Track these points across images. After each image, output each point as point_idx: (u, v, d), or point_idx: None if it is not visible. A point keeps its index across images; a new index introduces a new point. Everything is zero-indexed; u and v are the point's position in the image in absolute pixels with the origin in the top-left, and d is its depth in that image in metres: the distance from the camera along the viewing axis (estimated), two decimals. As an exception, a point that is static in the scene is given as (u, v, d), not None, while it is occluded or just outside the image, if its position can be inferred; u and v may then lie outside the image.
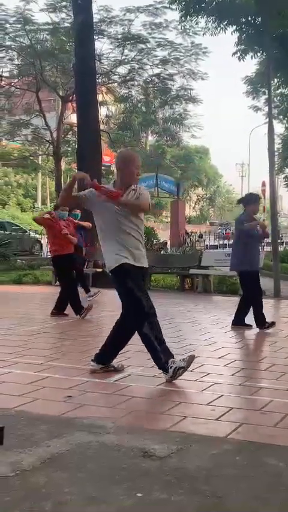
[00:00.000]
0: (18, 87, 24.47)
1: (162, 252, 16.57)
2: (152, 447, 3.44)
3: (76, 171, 22.49)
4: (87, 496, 2.80)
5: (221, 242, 35.42)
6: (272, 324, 7.85)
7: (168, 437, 3.64)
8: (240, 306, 8.04)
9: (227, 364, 5.81)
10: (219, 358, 6.04)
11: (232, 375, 5.37)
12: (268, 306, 9.44)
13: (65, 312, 8.84)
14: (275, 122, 21.16)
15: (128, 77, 24.33)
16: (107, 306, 9.77)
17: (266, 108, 19.06)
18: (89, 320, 8.62)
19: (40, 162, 33.29)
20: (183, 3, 14.84)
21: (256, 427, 3.96)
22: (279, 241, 22.09)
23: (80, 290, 9.50)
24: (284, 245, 34.02)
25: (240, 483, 3.00)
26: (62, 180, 24.66)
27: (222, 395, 4.65)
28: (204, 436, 3.73)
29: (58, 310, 8.86)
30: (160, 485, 2.93)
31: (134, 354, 6.24)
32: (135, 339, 7.06)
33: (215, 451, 3.43)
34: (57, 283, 14.41)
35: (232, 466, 3.22)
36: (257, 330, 7.79)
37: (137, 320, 5.07)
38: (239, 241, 7.99)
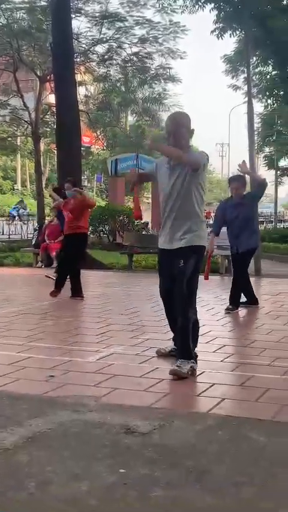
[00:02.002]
0: (-5, 67, 24.09)
1: (143, 233, 16.57)
2: (134, 424, 3.44)
3: (55, 152, 22.32)
4: (70, 474, 2.80)
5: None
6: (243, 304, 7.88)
7: (150, 414, 3.64)
8: (238, 287, 7.95)
9: (209, 341, 5.82)
10: (201, 335, 6.02)
11: (214, 351, 5.39)
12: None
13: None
14: (254, 101, 21.02)
15: (106, 56, 24.04)
16: (90, 287, 9.75)
17: (245, 87, 18.96)
18: (71, 301, 8.59)
19: (19, 144, 32.91)
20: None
21: (238, 401, 3.98)
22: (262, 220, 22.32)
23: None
24: (265, 224, 34.21)
25: (223, 458, 3.02)
26: (42, 162, 24.43)
27: (203, 372, 4.66)
28: (186, 412, 3.75)
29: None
30: (143, 461, 2.93)
31: (116, 332, 6.24)
32: (119, 318, 7.10)
33: (198, 427, 3.44)
34: (39, 264, 14.40)
35: (215, 441, 3.23)
36: (241, 309, 7.82)
37: (192, 301, 4.75)
38: (254, 218, 8.07)
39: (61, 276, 8.83)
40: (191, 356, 4.67)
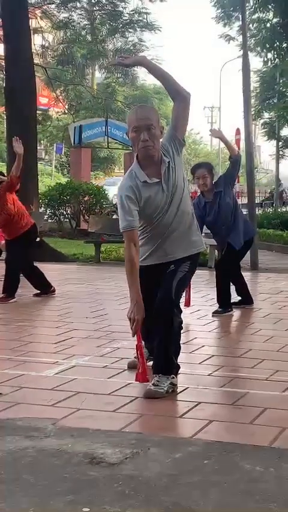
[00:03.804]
0: None
1: (114, 217, 16.52)
2: (101, 452, 3.46)
3: (4, 116, 22.16)
4: (22, 513, 2.81)
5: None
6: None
7: (121, 440, 3.67)
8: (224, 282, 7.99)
9: (194, 350, 5.87)
10: (185, 343, 6.06)
11: (200, 363, 5.44)
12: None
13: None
14: (251, 54, 21.18)
15: (68, -3, 23.93)
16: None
17: (240, 38, 19.04)
18: (23, 303, 8.58)
19: None
20: None
21: (228, 424, 4.02)
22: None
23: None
24: (263, 207, 34.42)
25: (209, 491, 3.05)
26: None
27: (187, 388, 4.70)
28: (165, 437, 3.78)
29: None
30: (111, 497, 2.96)
31: (79, 340, 6.26)
32: (83, 323, 7.10)
33: (178, 455, 3.47)
34: None
35: (199, 472, 3.26)
36: (235, 310, 7.89)
37: (176, 306, 4.78)
38: (237, 207, 8.05)
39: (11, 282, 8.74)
40: (172, 371, 4.70)
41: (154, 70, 4.76)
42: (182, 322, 4.83)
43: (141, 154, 4.65)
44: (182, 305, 6.94)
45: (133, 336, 4.63)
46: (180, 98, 4.66)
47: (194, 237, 4.87)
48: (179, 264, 4.77)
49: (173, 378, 4.66)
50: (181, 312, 4.82)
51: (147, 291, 4.68)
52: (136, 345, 4.70)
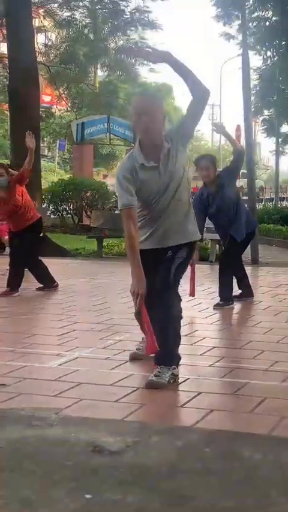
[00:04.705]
0: None
1: (116, 212, 16.50)
2: (102, 440, 3.45)
3: (8, 114, 22.14)
4: (24, 500, 2.80)
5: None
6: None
7: (122, 429, 3.66)
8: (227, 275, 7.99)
9: (195, 342, 5.86)
10: (186, 335, 6.06)
11: (201, 354, 5.43)
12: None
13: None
14: (250, 53, 21.10)
15: (71, -4, 23.90)
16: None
17: (240, 36, 19.00)
18: (26, 296, 8.57)
19: None
20: None
21: (229, 413, 4.02)
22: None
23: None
24: (264, 202, 34.39)
25: (210, 479, 3.04)
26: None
27: (188, 379, 4.69)
28: (166, 426, 3.77)
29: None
30: (113, 485, 2.94)
31: (82, 333, 6.26)
32: (86, 316, 7.10)
33: (180, 443, 3.46)
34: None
35: (200, 460, 3.25)
36: (236, 303, 7.89)
37: (178, 294, 4.84)
38: (239, 199, 8.08)
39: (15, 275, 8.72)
40: (172, 361, 4.68)
41: (180, 67, 4.56)
42: (181, 311, 4.81)
43: (141, 137, 4.64)
44: (186, 295, 7.00)
45: (137, 312, 4.48)
46: (201, 96, 4.59)
47: (190, 226, 4.83)
48: (176, 250, 4.75)
49: (174, 368, 4.65)
50: (180, 300, 4.81)
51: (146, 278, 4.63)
52: (142, 322, 4.49)
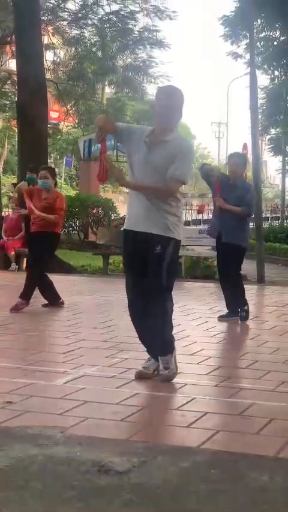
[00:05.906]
0: None
1: (122, 229, 16.50)
2: (109, 460, 3.45)
3: (16, 130, 22.24)
4: (31, 520, 2.80)
5: (193, 217, 35.39)
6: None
7: (129, 449, 3.65)
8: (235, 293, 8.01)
9: (201, 361, 5.85)
10: (192, 354, 6.09)
11: (207, 374, 5.42)
12: (250, 294, 9.54)
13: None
14: (258, 72, 21.19)
15: (80, 15, 24.05)
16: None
17: (248, 55, 19.13)
18: (33, 313, 8.57)
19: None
20: None
21: (235, 434, 4.00)
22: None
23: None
24: (270, 221, 34.41)
25: (216, 500, 3.04)
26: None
27: (194, 398, 4.68)
28: (172, 446, 3.77)
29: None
30: (119, 505, 2.95)
31: (88, 350, 6.25)
32: (91, 334, 7.10)
33: (186, 464, 3.46)
34: (13, 267, 14.30)
35: (206, 481, 3.25)
36: (238, 321, 7.88)
37: (169, 296, 5.20)
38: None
39: (31, 282, 8.71)
40: (173, 345, 5.17)
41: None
42: (173, 305, 5.23)
43: (153, 116, 5.24)
44: (190, 313, 7.01)
45: (97, 142, 5.31)
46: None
47: (165, 220, 5.05)
48: (157, 247, 5.05)
49: (174, 349, 5.15)
50: (171, 297, 5.18)
51: (132, 260, 5.37)
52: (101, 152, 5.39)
